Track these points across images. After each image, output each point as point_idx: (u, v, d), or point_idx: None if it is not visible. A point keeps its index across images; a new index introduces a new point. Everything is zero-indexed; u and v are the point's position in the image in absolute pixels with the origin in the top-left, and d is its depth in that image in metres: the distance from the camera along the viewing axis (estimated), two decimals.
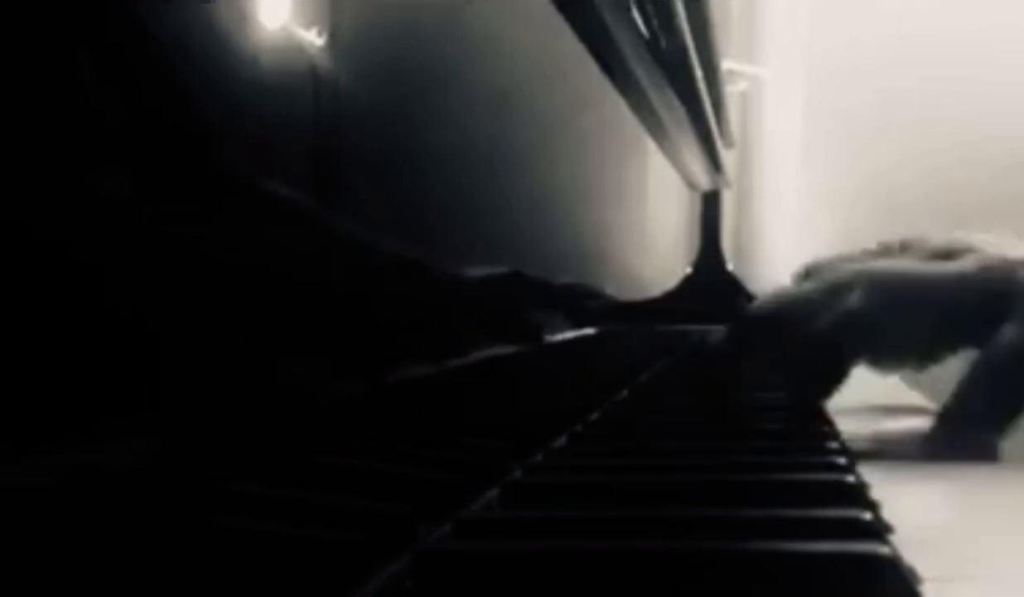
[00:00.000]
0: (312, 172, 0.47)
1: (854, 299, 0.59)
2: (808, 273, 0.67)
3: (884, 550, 0.31)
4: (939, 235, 0.64)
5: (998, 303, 0.58)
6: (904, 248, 0.65)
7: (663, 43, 0.95)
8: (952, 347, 0.62)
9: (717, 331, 0.66)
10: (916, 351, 0.63)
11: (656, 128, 1.20)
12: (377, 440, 0.46)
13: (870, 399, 0.73)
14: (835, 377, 0.62)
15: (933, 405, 0.71)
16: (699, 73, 1.09)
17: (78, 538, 0.29)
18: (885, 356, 0.64)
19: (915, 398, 0.77)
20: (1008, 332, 0.57)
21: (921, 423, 0.62)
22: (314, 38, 0.44)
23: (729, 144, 1.71)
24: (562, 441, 0.55)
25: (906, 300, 0.60)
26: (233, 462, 0.39)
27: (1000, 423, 0.57)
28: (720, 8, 1.45)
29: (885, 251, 0.66)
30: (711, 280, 1.45)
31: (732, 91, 1.85)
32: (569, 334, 1.09)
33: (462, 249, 0.69)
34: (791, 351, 0.62)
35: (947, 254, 0.61)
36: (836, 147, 2.26)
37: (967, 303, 0.59)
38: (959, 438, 0.57)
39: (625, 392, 0.76)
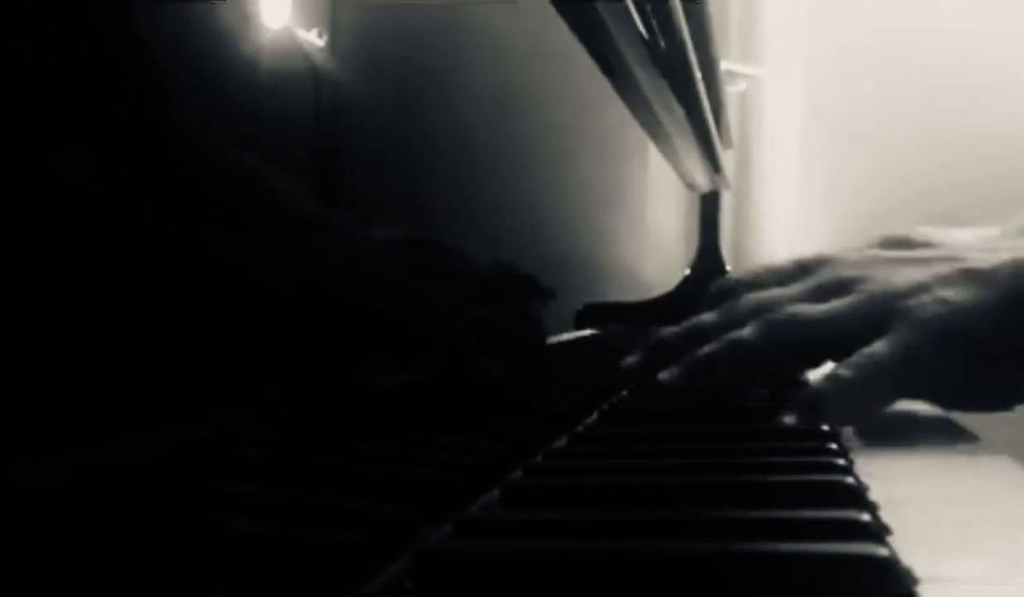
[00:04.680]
0: (312, 172, 0.47)
1: (743, 331, 0.66)
2: (720, 294, 0.74)
3: (882, 551, 0.31)
4: (844, 256, 0.69)
5: (871, 333, 0.62)
6: (815, 265, 0.70)
7: (662, 44, 0.95)
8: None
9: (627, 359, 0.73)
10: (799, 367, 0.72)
11: (655, 129, 1.20)
12: (377, 440, 0.46)
13: None
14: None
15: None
16: (698, 74, 1.09)
17: (79, 538, 0.29)
18: (768, 374, 0.71)
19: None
20: (873, 346, 0.62)
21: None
22: (315, 39, 0.44)
23: (728, 145, 1.71)
24: (562, 442, 0.55)
25: (785, 335, 0.66)
26: (233, 462, 0.40)
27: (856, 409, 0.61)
28: (719, 9, 1.45)
29: (795, 270, 0.71)
30: (710, 281, 1.45)
31: (731, 92, 1.85)
32: (570, 335, 1.09)
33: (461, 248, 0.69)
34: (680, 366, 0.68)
35: (841, 283, 0.66)
36: (835, 147, 2.26)
37: (843, 335, 0.64)
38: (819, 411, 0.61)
39: (625, 393, 0.76)
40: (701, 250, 1.47)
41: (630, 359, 0.73)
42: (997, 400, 0.64)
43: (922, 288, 0.62)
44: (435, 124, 0.62)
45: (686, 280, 1.45)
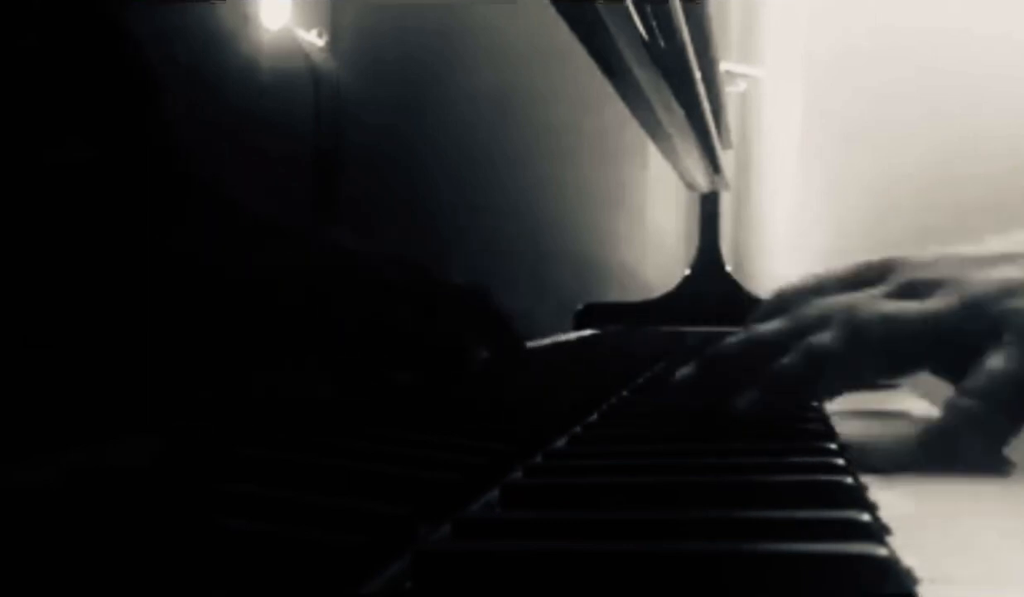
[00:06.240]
0: (312, 172, 0.47)
1: (823, 337, 0.59)
2: (778, 304, 0.66)
3: (882, 551, 0.31)
4: (918, 258, 0.62)
5: (976, 337, 0.56)
6: (885, 269, 0.63)
7: (662, 44, 0.95)
8: (926, 370, 0.61)
9: (682, 367, 0.65)
10: (889, 378, 0.64)
11: (655, 130, 1.20)
12: (377, 440, 0.46)
13: (863, 402, 0.72)
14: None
15: (928, 406, 0.70)
16: (698, 74, 1.09)
17: (78, 538, 0.29)
18: (851, 388, 0.64)
19: (908, 399, 0.77)
20: (993, 360, 0.55)
21: (910, 429, 0.60)
22: (315, 39, 0.44)
23: (728, 145, 1.71)
24: (562, 442, 0.55)
25: (876, 340, 0.58)
26: (233, 463, 0.40)
27: (993, 444, 0.55)
28: (719, 9, 1.45)
29: (861, 275, 0.64)
30: (710, 281, 1.46)
31: (731, 92, 1.86)
32: (570, 335, 1.09)
33: (460, 249, 0.70)
34: (758, 387, 0.60)
35: (926, 284, 0.60)
36: (834, 147, 2.26)
37: (943, 338, 0.58)
38: (951, 452, 0.55)
39: (625, 393, 0.76)
40: (701, 250, 1.48)
41: (680, 373, 0.64)
42: None
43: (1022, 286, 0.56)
44: (435, 124, 0.62)
45: (686, 280, 1.46)
